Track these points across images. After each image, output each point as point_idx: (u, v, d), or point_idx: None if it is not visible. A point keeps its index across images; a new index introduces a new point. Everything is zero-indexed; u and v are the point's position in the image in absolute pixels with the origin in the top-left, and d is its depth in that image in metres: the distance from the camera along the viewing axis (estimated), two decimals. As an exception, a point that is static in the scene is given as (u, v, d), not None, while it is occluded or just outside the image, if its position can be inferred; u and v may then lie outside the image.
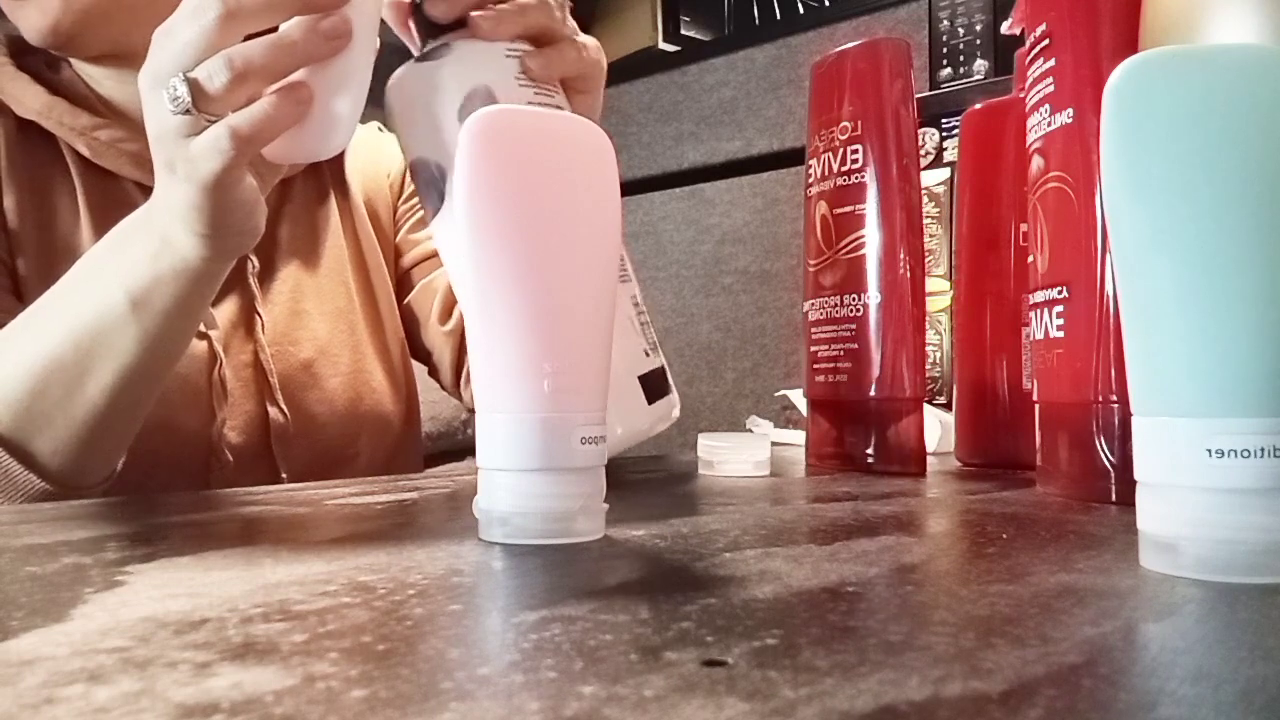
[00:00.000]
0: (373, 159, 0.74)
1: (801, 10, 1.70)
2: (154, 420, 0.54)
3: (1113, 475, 0.37)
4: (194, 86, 0.39)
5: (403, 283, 0.73)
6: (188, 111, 0.40)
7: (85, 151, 0.59)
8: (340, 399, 0.64)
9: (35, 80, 0.60)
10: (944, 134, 1.15)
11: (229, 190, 0.42)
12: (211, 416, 0.58)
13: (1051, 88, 0.40)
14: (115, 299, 0.45)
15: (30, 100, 0.59)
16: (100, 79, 0.62)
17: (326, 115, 0.42)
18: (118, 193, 0.60)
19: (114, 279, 0.46)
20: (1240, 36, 0.31)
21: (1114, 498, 0.37)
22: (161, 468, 0.56)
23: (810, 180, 0.55)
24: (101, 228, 0.58)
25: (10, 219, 0.58)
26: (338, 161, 0.71)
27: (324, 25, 0.40)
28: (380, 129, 0.76)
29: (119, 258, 0.46)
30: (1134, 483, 0.24)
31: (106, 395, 0.47)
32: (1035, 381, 0.42)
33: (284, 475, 0.60)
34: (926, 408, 0.54)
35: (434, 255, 0.71)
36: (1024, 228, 0.52)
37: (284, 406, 0.61)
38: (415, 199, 0.72)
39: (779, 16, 1.71)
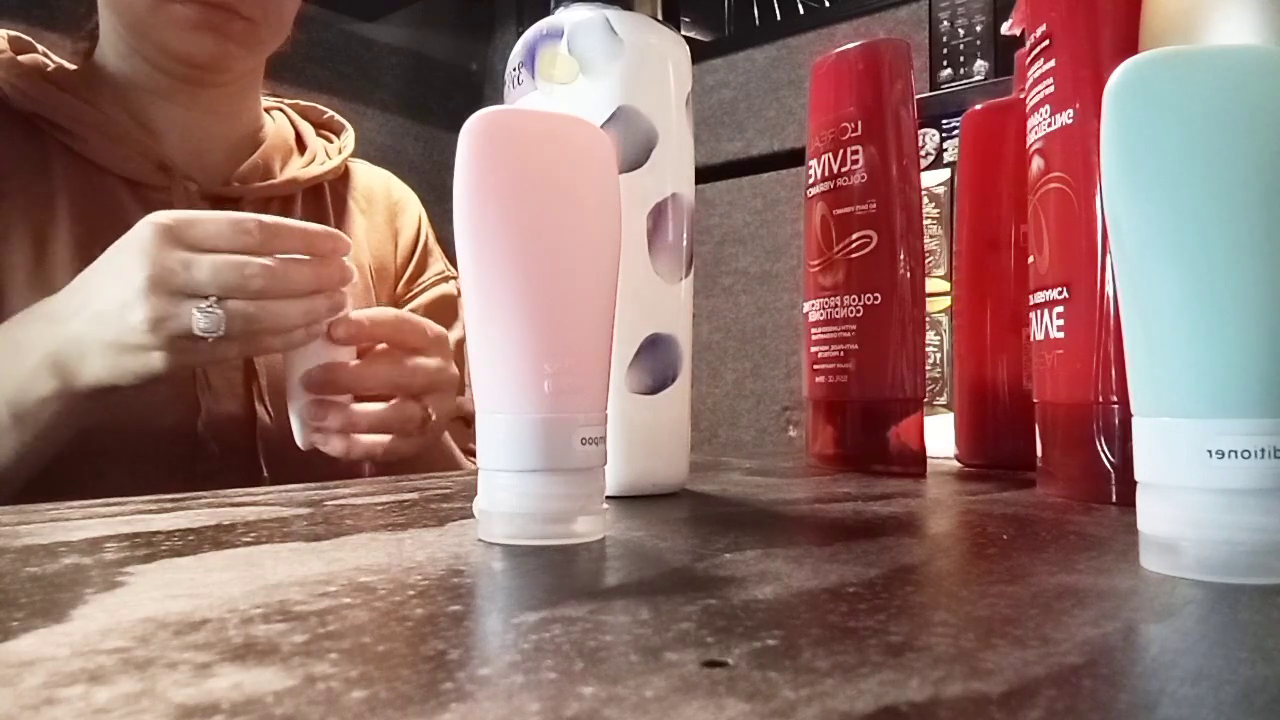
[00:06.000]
0: (387, 221, 0.77)
1: (801, 11, 1.70)
2: (135, 416, 0.55)
3: (1113, 476, 0.37)
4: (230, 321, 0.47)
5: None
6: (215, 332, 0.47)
7: (96, 148, 0.59)
8: None
9: (43, 77, 0.60)
10: (944, 135, 1.15)
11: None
12: (196, 411, 0.58)
13: (1052, 88, 0.40)
14: None
15: (40, 94, 0.59)
16: (145, 79, 0.63)
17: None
18: (104, 191, 0.60)
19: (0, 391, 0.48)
20: (1240, 36, 0.31)
21: (1114, 498, 0.37)
22: (145, 464, 0.56)
23: (810, 181, 0.55)
24: (82, 223, 0.59)
25: None
26: (342, 197, 0.74)
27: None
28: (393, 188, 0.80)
29: (12, 368, 0.49)
30: (1134, 483, 0.24)
31: None
32: (1035, 382, 0.42)
33: (265, 475, 0.60)
34: (939, 416, 0.54)
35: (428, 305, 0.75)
36: (1024, 229, 0.52)
37: (270, 407, 0.61)
38: (418, 269, 0.78)
39: (779, 17, 1.71)
